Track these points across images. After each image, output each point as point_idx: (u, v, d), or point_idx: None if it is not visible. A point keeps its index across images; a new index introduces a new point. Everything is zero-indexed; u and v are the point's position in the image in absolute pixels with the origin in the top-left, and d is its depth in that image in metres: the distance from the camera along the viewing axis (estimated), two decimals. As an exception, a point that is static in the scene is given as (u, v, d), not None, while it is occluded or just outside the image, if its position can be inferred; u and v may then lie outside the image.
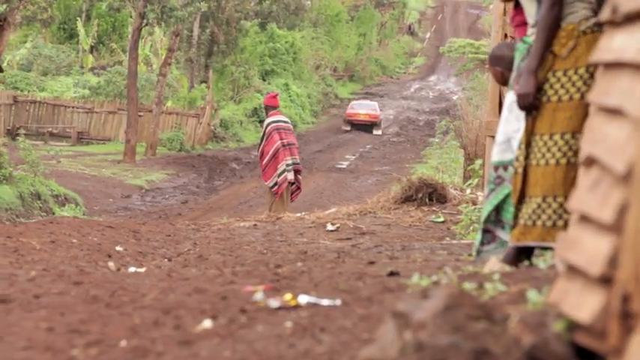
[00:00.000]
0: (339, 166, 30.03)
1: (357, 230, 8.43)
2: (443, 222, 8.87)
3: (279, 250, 7.03)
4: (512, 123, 4.61)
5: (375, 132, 40.32)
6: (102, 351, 2.92)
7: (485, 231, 4.66)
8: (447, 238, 7.70)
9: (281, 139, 11.99)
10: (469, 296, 2.34)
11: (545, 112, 4.12)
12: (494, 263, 4.14)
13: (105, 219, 14.39)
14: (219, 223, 9.52)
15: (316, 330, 3.04)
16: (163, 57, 34.09)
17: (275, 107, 12.27)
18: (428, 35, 76.85)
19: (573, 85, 4.09)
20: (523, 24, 4.57)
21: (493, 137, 8.43)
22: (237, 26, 38.93)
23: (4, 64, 31.07)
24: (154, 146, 31.35)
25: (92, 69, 41.76)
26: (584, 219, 2.27)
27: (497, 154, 4.65)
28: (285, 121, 12.36)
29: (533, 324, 2.20)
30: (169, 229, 8.75)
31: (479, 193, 9.42)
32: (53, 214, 17.58)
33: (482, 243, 4.65)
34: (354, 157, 32.78)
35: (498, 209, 4.62)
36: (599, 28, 4.07)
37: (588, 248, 2.13)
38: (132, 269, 5.72)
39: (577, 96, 4.07)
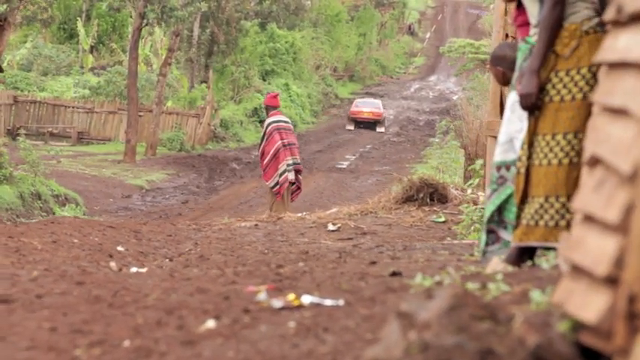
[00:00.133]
0: (340, 166, 30.03)
1: (359, 230, 8.42)
2: (444, 222, 8.87)
3: (281, 250, 7.03)
4: (514, 123, 4.61)
5: (378, 129, 41.08)
6: (105, 351, 2.92)
7: (490, 231, 4.66)
8: (448, 238, 7.69)
9: (281, 139, 11.99)
10: (473, 296, 2.34)
11: (547, 112, 4.12)
12: (496, 263, 4.14)
13: (105, 219, 14.39)
14: (220, 223, 9.51)
15: (319, 330, 3.04)
16: (163, 57, 34.09)
17: (275, 107, 12.26)
18: (428, 35, 76.86)
19: (576, 85, 4.09)
20: (525, 24, 4.57)
21: (494, 137, 8.44)
22: (237, 26, 38.93)
23: (4, 64, 31.07)
24: (154, 146, 31.35)
25: (92, 69, 41.76)
26: (589, 219, 2.27)
27: (499, 154, 4.65)
28: (285, 121, 12.35)
29: (538, 324, 2.20)
30: (170, 229, 8.75)
31: (480, 193, 9.42)
32: (54, 214, 17.58)
33: (487, 244, 4.65)
34: (354, 157, 32.78)
35: (501, 209, 4.62)
36: (601, 28, 4.07)
37: (593, 248, 2.13)
38: (133, 269, 5.72)
39: (579, 96, 4.07)
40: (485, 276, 3.77)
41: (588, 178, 2.43)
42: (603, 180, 2.20)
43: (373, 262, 5.30)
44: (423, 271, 4.38)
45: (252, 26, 42.16)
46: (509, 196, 4.54)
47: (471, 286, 3.35)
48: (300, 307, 3.45)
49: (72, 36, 43.88)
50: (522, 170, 4.15)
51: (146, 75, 36.97)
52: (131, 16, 36.03)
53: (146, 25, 30.15)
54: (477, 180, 9.72)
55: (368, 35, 60.68)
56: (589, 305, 2.05)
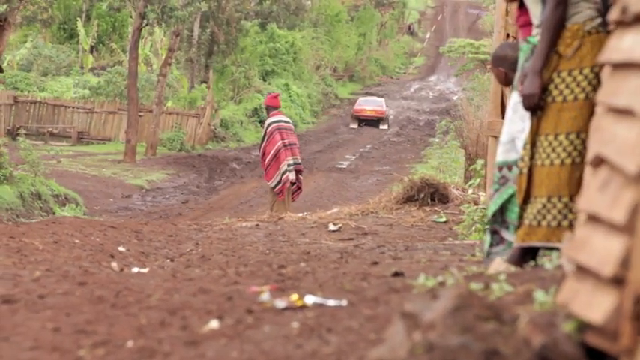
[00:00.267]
0: (340, 166, 30.03)
1: (360, 230, 8.42)
2: (445, 222, 8.86)
3: (282, 250, 7.03)
4: (516, 123, 4.61)
5: (381, 127, 41.84)
6: (109, 351, 2.92)
7: (494, 232, 4.66)
8: (450, 239, 7.69)
9: (282, 139, 11.98)
10: (478, 297, 2.34)
11: (549, 112, 4.12)
12: (499, 264, 4.14)
13: (105, 219, 14.38)
14: (221, 224, 9.51)
15: (323, 330, 3.04)
16: (163, 57, 34.09)
17: (276, 107, 12.26)
18: (428, 35, 76.87)
19: (578, 85, 4.09)
20: (527, 24, 4.57)
21: (495, 137, 8.44)
22: (237, 26, 38.92)
23: (5, 64, 31.07)
24: (154, 146, 31.35)
25: (92, 69, 41.77)
26: (594, 219, 2.26)
27: (501, 154, 4.65)
28: (286, 121, 12.35)
29: (543, 324, 2.20)
30: (171, 230, 8.74)
31: (481, 194, 9.41)
32: (54, 214, 17.58)
33: (491, 244, 4.65)
34: (354, 157, 32.78)
35: (503, 210, 4.62)
36: (603, 28, 4.07)
37: (599, 249, 2.13)
38: (135, 269, 5.72)
39: (582, 96, 4.07)
40: (488, 276, 3.77)
41: (592, 178, 2.43)
42: (608, 180, 2.20)
43: (375, 263, 5.29)
44: (425, 271, 4.38)
45: (252, 26, 42.16)
46: (511, 197, 4.54)
47: (474, 286, 3.35)
48: (304, 307, 3.45)
49: (72, 36, 43.88)
50: (525, 170, 4.15)
51: (146, 75, 36.97)
52: (131, 16, 36.03)
53: (146, 25, 30.15)
54: (478, 180, 9.71)
55: (368, 35, 60.69)
56: (595, 305, 2.05)
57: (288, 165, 11.92)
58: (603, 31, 4.07)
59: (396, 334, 2.33)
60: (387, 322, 3.05)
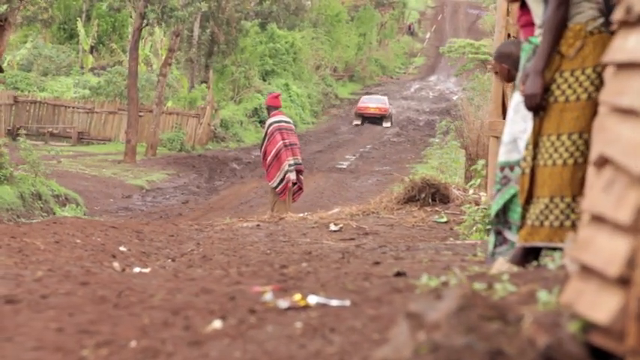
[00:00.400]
0: (340, 167, 30.04)
1: (361, 230, 8.42)
2: (446, 222, 8.87)
3: (283, 250, 7.03)
4: (518, 123, 4.61)
5: (384, 124, 42.64)
6: (112, 351, 2.92)
7: (498, 233, 4.65)
8: (451, 239, 7.69)
9: (283, 139, 11.98)
10: (482, 297, 2.34)
11: (552, 112, 4.11)
12: (501, 264, 4.14)
13: (106, 219, 14.38)
14: (222, 224, 9.51)
15: (326, 330, 3.04)
16: (163, 57, 34.09)
17: (277, 107, 12.26)
18: (428, 35, 76.89)
19: (580, 85, 4.08)
20: (529, 24, 4.57)
21: (496, 137, 8.45)
22: (237, 26, 38.92)
23: (5, 64, 31.06)
24: (154, 146, 31.36)
25: (92, 69, 41.78)
26: (598, 219, 2.26)
27: (503, 154, 4.65)
28: (287, 121, 12.35)
29: (548, 324, 2.20)
30: (172, 230, 8.75)
31: (482, 194, 9.42)
32: (54, 214, 17.58)
33: (495, 245, 4.65)
34: (354, 158, 32.79)
35: (505, 210, 4.62)
36: (606, 28, 4.07)
37: (604, 249, 2.13)
38: (137, 269, 5.72)
39: (584, 96, 4.07)
40: (491, 276, 3.77)
41: (596, 178, 2.43)
42: (613, 180, 2.20)
43: (377, 263, 5.29)
44: (428, 271, 4.38)
45: (252, 26, 42.17)
46: (514, 197, 4.54)
47: (478, 286, 3.35)
48: (307, 307, 3.45)
49: (72, 36, 43.89)
50: (527, 171, 4.15)
51: (146, 75, 36.97)
52: (131, 17, 36.04)
53: (146, 25, 30.16)
54: (479, 180, 9.71)
55: (368, 35, 60.70)
56: (600, 306, 2.05)
57: (289, 165, 11.92)
58: (605, 31, 4.07)
59: (400, 334, 2.33)
60: (390, 322, 3.05)
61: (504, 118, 8.26)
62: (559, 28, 4.14)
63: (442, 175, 16.87)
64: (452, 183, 10.77)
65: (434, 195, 9.62)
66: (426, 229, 8.58)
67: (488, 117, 9.19)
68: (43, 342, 3.04)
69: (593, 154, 2.55)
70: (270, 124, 12.14)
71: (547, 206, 4.07)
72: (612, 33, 3.82)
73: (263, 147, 12.21)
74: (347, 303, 3.51)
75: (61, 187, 19.51)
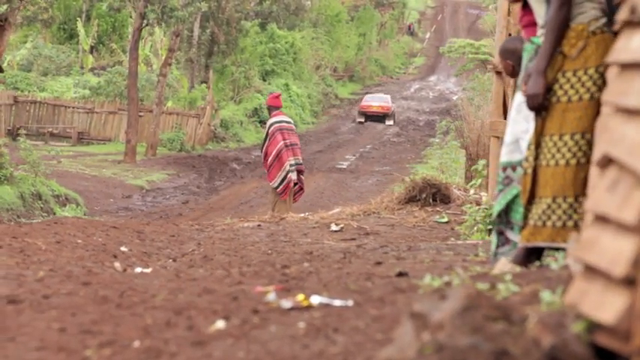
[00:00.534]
0: (340, 167, 30.03)
1: (362, 231, 8.41)
2: (447, 222, 8.86)
3: (284, 250, 7.02)
4: (520, 123, 4.61)
5: (387, 122, 43.59)
6: (115, 352, 2.92)
7: (500, 233, 4.65)
8: (452, 239, 7.68)
9: (284, 139, 11.98)
10: (486, 297, 2.34)
11: (554, 112, 4.11)
12: (504, 264, 4.14)
13: (106, 219, 14.38)
14: (223, 224, 9.50)
15: (330, 331, 3.04)
16: (163, 57, 34.08)
17: (278, 107, 12.25)
18: (428, 35, 76.89)
19: (583, 85, 4.08)
20: (531, 24, 4.57)
21: (497, 138, 8.45)
22: (237, 26, 38.92)
23: (5, 64, 31.05)
24: (154, 146, 31.35)
25: (92, 69, 41.77)
26: (602, 219, 2.26)
27: (505, 154, 4.65)
28: (287, 122, 12.34)
29: (552, 325, 2.20)
30: (173, 230, 8.74)
31: (482, 194, 9.41)
32: (54, 214, 17.58)
33: (497, 245, 4.65)
34: (354, 158, 32.78)
35: (507, 210, 4.62)
36: (608, 28, 4.07)
37: (609, 249, 2.13)
38: (138, 269, 5.72)
39: (586, 96, 4.07)
40: (494, 276, 3.76)
41: (600, 178, 2.43)
42: (618, 180, 2.20)
43: (379, 263, 5.29)
44: (429, 271, 4.38)
45: (252, 26, 42.16)
46: (516, 197, 4.54)
47: (480, 286, 3.35)
48: (310, 307, 3.45)
49: (72, 36, 43.88)
50: (529, 171, 4.15)
51: (146, 75, 36.96)
52: (131, 17, 36.03)
53: (146, 25, 30.15)
54: (480, 180, 9.71)
55: (368, 35, 60.70)
56: (606, 306, 2.05)
57: (290, 165, 11.92)
58: (608, 31, 4.07)
59: (404, 334, 2.32)
60: (393, 322, 3.05)
61: (505, 118, 8.28)
62: (561, 28, 4.14)
63: (442, 176, 16.87)
64: (452, 183, 10.77)
65: (435, 195, 9.62)
66: (427, 229, 8.57)
67: (490, 117, 9.19)
68: (45, 342, 3.04)
69: (597, 154, 2.55)
70: (271, 125, 12.13)
71: (549, 206, 4.06)
72: (615, 33, 3.82)
73: (264, 147, 12.20)
74: (350, 303, 3.51)
75: (61, 187, 19.52)
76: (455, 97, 45.13)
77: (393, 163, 31.18)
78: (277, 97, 12.52)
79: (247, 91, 40.51)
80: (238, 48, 39.99)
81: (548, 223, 4.06)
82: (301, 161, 12.21)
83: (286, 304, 3.48)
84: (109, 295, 3.92)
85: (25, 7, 23.65)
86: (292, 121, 12.68)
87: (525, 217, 4.18)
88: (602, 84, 4.01)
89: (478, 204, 8.89)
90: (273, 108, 12.24)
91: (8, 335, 3.13)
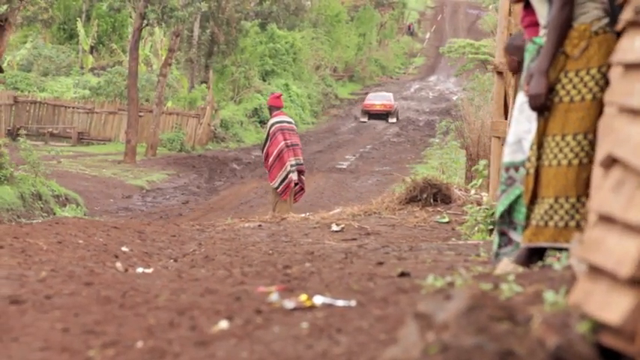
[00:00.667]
0: (340, 167, 30.03)
1: (362, 231, 8.41)
2: (448, 222, 8.86)
3: (285, 250, 7.02)
4: (522, 124, 4.60)
5: (390, 120, 44.44)
6: (119, 352, 2.92)
7: (502, 233, 4.65)
8: (453, 239, 7.68)
9: (285, 139, 11.98)
10: (491, 297, 2.34)
11: (557, 112, 4.11)
12: (506, 264, 4.13)
13: (106, 219, 14.38)
14: (224, 224, 9.50)
15: (333, 331, 3.04)
16: (164, 57, 34.08)
17: (279, 107, 12.25)
18: (427, 35, 76.89)
19: (585, 85, 4.08)
20: (533, 25, 4.57)
21: (498, 138, 8.46)
22: (237, 26, 38.91)
23: (5, 65, 31.04)
24: (154, 147, 31.35)
25: (92, 69, 41.76)
26: (607, 220, 2.26)
27: (508, 154, 4.64)
28: (288, 122, 12.34)
29: (557, 325, 2.20)
30: (174, 230, 8.74)
31: (483, 194, 9.42)
32: (54, 214, 17.58)
33: (499, 246, 4.64)
34: (354, 158, 32.77)
35: (510, 210, 4.62)
36: (611, 28, 4.07)
37: (614, 249, 2.12)
38: (140, 270, 5.72)
39: (589, 97, 4.07)
40: (497, 277, 3.76)
41: (604, 178, 2.43)
42: (623, 181, 2.19)
43: (380, 263, 5.29)
44: (431, 271, 4.38)
45: (252, 26, 42.16)
46: (519, 197, 4.54)
47: (484, 286, 3.35)
48: (313, 307, 3.45)
49: (72, 36, 43.88)
50: (532, 171, 4.14)
51: (146, 75, 36.96)
52: (131, 17, 36.03)
53: (146, 25, 30.15)
54: (480, 180, 9.72)
55: (368, 35, 60.70)
56: (611, 306, 2.05)
57: (291, 165, 11.92)
58: (610, 31, 4.07)
59: (409, 334, 2.32)
60: (397, 322, 3.05)
61: (506, 118, 8.28)
62: (564, 28, 4.14)
63: (442, 176, 16.88)
64: (453, 183, 10.77)
65: (435, 195, 9.62)
66: (427, 229, 8.57)
67: (491, 117, 9.19)
68: (49, 342, 3.04)
69: (600, 155, 2.55)
70: (272, 125, 12.12)
71: (552, 206, 4.06)
72: (617, 33, 3.83)
73: (265, 148, 12.19)
74: (353, 303, 3.51)
75: (61, 188, 19.51)
76: (455, 98, 45.16)
77: (393, 163, 31.18)
78: (278, 97, 12.51)
79: (247, 91, 40.51)
80: (238, 48, 39.99)
81: (551, 224, 4.06)
82: (302, 161, 12.21)
83: (289, 304, 3.48)
84: (112, 296, 3.92)
85: (25, 7, 23.65)
86: (293, 121, 12.68)
87: (527, 218, 4.17)
88: (604, 84, 4.01)
89: (479, 204, 8.89)
90: (274, 108, 12.24)
91: (12, 335, 3.13)
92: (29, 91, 35.38)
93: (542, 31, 4.31)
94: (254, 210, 19.65)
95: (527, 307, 2.71)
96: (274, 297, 3.65)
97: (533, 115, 4.27)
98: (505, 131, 8.00)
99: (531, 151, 4.19)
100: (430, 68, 65.92)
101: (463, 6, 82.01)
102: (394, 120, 44.49)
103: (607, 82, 3.98)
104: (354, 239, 7.85)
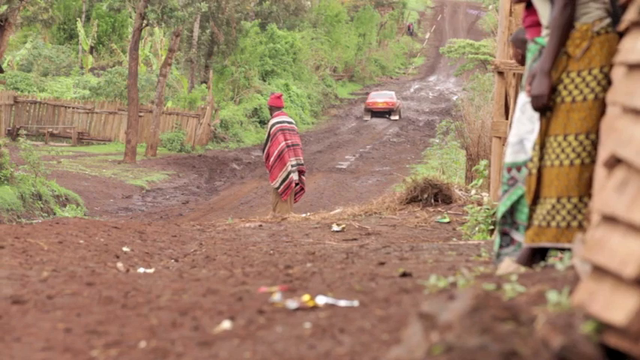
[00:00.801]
0: (340, 167, 30.02)
1: (363, 231, 8.42)
2: (448, 222, 8.87)
3: (286, 250, 7.02)
4: (524, 124, 4.60)
5: (392, 117, 45.01)
6: (122, 352, 2.91)
7: (504, 234, 4.65)
8: (454, 239, 7.69)
9: (285, 139, 11.97)
10: (494, 297, 2.34)
11: (559, 113, 4.11)
12: (508, 264, 4.13)
13: (106, 219, 14.37)
14: (224, 224, 9.50)
15: (336, 331, 3.04)
16: (163, 57, 34.07)
17: (279, 108, 12.24)
18: (427, 35, 76.89)
19: (587, 85, 4.08)
20: (535, 25, 4.56)
21: (499, 138, 8.45)
22: (237, 27, 38.90)
23: (5, 65, 31.05)
24: (154, 147, 31.34)
25: (92, 69, 41.76)
26: (611, 220, 2.26)
27: (510, 155, 4.64)
28: (289, 122, 12.33)
29: (561, 325, 2.20)
30: (175, 230, 8.74)
31: (484, 194, 9.42)
32: (54, 214, 17.59)
33: (501, 246, 4.64)
34: (354, 158, 32.77)
35: (512, 211, 4.61)
36: (612, 28, 4.07)
37: (618, 250, 2.12)
38: (141, 270, 5.72)
39: (591, 97, 4.07)
40: (499, 277, 3.76)
41: (607, 178, 2.42)
42: (626, 181, 2.19)
43: (382, 263, 5.29)
44: (433, 271, 4.38)
45: (252, 27, 42.13)
46: (521, 197, 4.54)
47: (486, 287, 3.35)
48: (315, 308, 3.45)
49: (72, 36, 43.89)
50: (534, 171, 4.14)
51: (146, 75, 36.95)
52: (131, 17, 36.03)
53: (146, 25, 30.14)
54: (481, 180, 9.72)
55: (367, 35, 60.69)
56: (616, 307, 2.04)
57: (292, 166, 11.91)
58: (612, 31, 4.07)
59: (413, 334, 2.32)
60: (399, 322, 3.05)
61: (507, 118, 8.29)
62: (566, 28, 4.13)
63: (442, 176, 16.88)
64: (454, 183, 10.77)
65: (436, 195, 9.63)
66: (428, 229, 8.58)
67: (492, 117, 9.19)
68: (51, 342, 3.04)
69: (603, 155, 2.55)
70: (273, 125, 12.12)
71: (554, 207, 4.06)
72: (619, 33, 3.83)
73: (266, 148, 12.19)
74: (355, 303, 3.51)
75: (61, 188, 19.52)
76: (455, 98, 45.18)
77: (393, 163, 31.17)
78: (279, 97, 12.51)
79: (247, 92, 40.49)
80: (238, 48, 39.97)
81: (553, 224, 4.06)
82: (302, 162, 12.20)
83: (292, 304, 3.48)
84: (114, 296, 3.92)
85: (25, 7, 23.66)
86: (294, 122, 12.67)
87: (530, 218, 4.17)
88: (606, 84, 4.01)
89: (480, 204, 8.89)
90: (274, 108, 12.23)
91: (14, 336, 3.13)
92: (29, 91, 35.38)
93: (544, 31, 4.31)
94: (254, 210, 19.66)
95: (530, 307, 2.71)
96: (277, 297, 3.65)
97: (536, 115, 4.27)
98: (506, 131, 8.02)
99: (534, 151, 4.19)
100: (430, 68, 65.92)
101: (463, 6, 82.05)
102: (397, 117, 44.86)
103: (609, 82, 3.98)
104: (355, 239, 7.86)
